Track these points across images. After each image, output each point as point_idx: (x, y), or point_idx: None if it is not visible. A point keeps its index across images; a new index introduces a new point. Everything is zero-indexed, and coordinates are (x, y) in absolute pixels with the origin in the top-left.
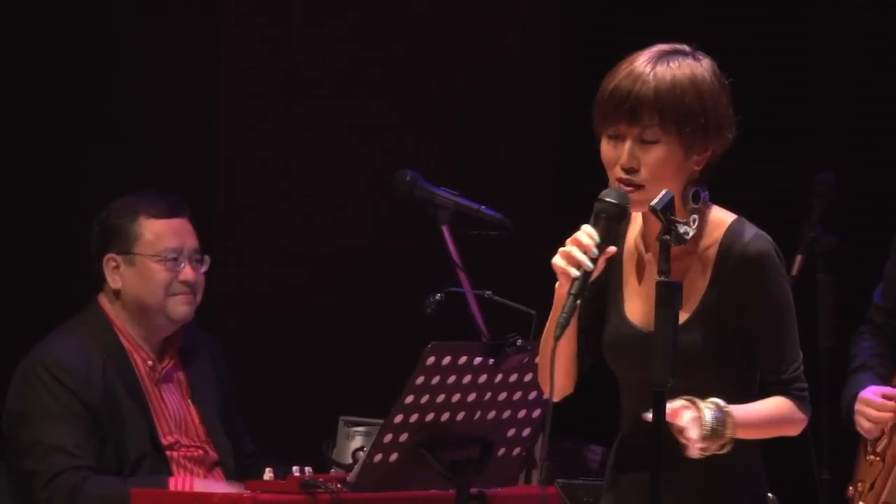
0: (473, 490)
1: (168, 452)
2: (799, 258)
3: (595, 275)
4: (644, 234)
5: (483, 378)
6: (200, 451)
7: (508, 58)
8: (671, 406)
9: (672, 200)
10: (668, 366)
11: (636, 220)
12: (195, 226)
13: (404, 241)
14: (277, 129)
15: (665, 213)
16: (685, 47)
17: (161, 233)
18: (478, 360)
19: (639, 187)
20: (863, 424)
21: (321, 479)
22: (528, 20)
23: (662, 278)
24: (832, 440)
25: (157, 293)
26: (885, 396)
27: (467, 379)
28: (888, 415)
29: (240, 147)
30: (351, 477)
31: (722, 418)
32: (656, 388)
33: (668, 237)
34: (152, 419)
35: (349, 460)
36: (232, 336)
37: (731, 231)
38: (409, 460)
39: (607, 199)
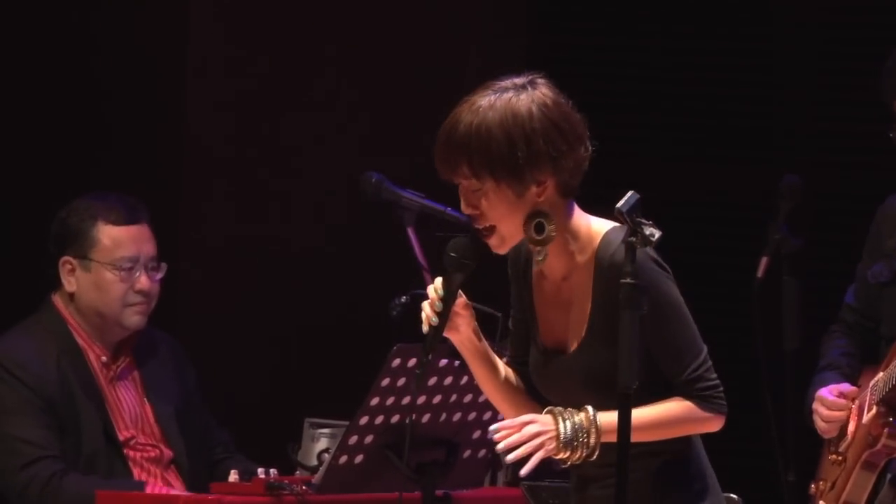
0: (439, 492)
1: (125, 450)
2: (764, 260)
3: (452, 330)
4: (548, 262)
5: (449, 380)
6: (156, 451)
7: (476, 61)
8: (520, 421)
9: (638, 202)
10: (632, 368)
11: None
12: (158, 229)
13: (370, 242)
14: (248, 133)
15: (630, 215)
16: (518, 80)
17: (119, 240)
18: (443, 362)
19: (491, 230)
20: (818, 423)
21: (286, 481)
22: (494, 23)
23: (628, 280)
24: (798, 441)
25: (112, 305)
26: (841, 395)
27: (433, 381)
28: (841, 413)
29: (209, 148)
30: (316, 479)
31: (582, 426)
32: (621, 391)
33: (633, 239)
34: (107, 414)
35: (314, 462)
36: (197, 337)
37: (602, 243)
38: (374, 462)
39: (449, 253)
